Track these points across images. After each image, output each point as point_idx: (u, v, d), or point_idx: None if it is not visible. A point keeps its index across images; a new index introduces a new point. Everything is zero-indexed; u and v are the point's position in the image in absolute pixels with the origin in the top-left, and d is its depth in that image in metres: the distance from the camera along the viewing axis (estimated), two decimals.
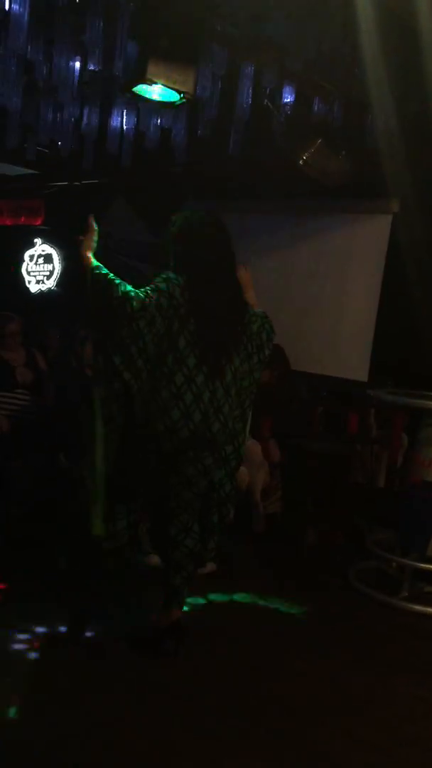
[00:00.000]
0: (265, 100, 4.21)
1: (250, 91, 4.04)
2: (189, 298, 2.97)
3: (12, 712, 2.60)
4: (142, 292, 2.92)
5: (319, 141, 4.55)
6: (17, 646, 3.06)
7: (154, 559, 3.89)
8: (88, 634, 3.24)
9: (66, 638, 3.19)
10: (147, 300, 2.89)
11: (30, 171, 7.55)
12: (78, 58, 4.05)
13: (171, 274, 3.01)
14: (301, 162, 4.57)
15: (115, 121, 4.83)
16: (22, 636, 3.13)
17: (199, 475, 3.07)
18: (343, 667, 3.22)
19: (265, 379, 5.20)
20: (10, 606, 3.43)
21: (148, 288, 2.94)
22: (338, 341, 5.73)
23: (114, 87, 4.38)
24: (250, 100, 4.07)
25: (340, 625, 3.67)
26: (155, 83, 3.68)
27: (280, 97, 4.19)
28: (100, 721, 2.59)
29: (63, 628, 3.24)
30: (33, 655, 3.03)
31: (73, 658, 3.02)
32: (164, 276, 3.00)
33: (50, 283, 7.83)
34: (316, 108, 4.32)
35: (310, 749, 2.56)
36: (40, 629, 3.20)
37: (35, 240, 8.00)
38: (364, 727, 2.73)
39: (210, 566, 4.18)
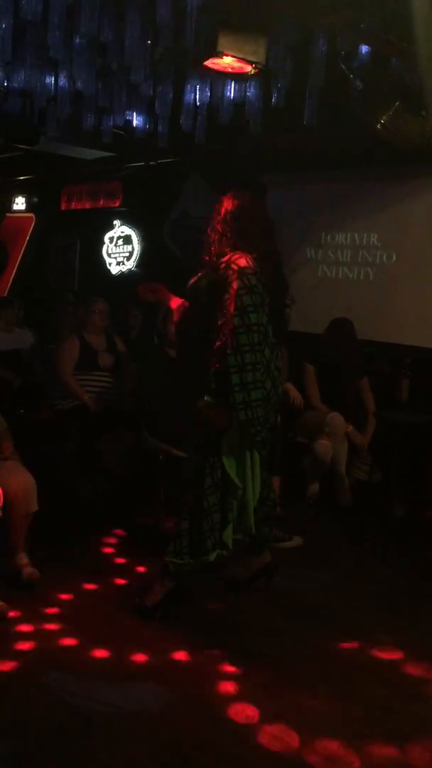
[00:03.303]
0: (341, 63, 4.08)
1: (324, 55, 3.93)
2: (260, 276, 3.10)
3: None
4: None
5: (398, 103, 4.39)
6: None
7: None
8: None
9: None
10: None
11: (106, 153, 7.64)
12: (149, 36, 4.04)
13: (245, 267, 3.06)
14: (379, 126, 4.42)
15: (188, 98, 4.81)
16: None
17: (268, 435, 3.27)
18: None
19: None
20: None
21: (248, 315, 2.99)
22: (424, 310, 5.57)
23: (186, 62, 4.35)
24: (324, 65, 3.96)
25: (430, 596, 3.61)
26: (226, 55, 3.64)
27: (356, 60, 4.06)
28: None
29: None
30: None
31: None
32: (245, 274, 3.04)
33: (130, 264, 7.93)
34: (393, 68, 4.17)
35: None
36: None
37: (114, 222, 8.11)
38: None
39: (296, 540, 4.20)
